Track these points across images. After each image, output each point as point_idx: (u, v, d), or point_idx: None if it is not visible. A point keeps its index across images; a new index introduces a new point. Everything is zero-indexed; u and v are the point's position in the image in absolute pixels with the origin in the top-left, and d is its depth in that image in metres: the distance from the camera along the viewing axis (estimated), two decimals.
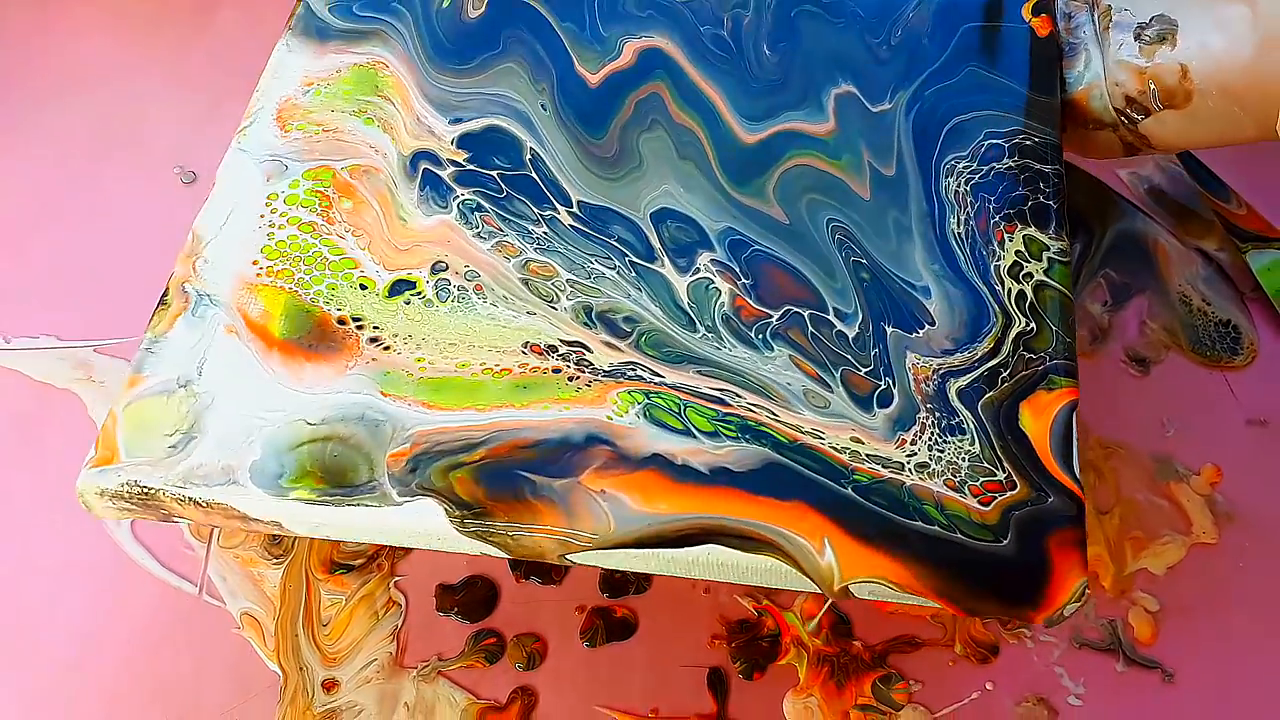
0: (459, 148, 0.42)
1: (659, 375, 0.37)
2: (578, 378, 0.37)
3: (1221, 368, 0.51)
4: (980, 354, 0.38)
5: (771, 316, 0.38)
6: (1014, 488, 0.35)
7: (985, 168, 0.42)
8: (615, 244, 0.40)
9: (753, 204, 0.41)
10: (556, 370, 0.37)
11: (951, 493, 0.35)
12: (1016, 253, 0.40)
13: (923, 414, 0.36)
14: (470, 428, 0.36)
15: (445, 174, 0.41)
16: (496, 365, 0.37)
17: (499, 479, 0.35)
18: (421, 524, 0.34)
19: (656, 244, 0.40)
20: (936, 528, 0.34)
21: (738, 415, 0.36)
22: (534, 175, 0.41)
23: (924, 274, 0.39)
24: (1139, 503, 0.48)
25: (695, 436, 0.35)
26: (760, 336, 0.38)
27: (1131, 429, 0.50)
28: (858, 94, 0.44)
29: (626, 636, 0.46)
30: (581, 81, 0.44)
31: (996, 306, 0.39)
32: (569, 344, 0.37)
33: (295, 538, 0.48)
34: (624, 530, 0.34)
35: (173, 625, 0.46)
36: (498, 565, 0.47)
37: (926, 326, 0.38)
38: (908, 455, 0.36)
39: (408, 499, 0.34)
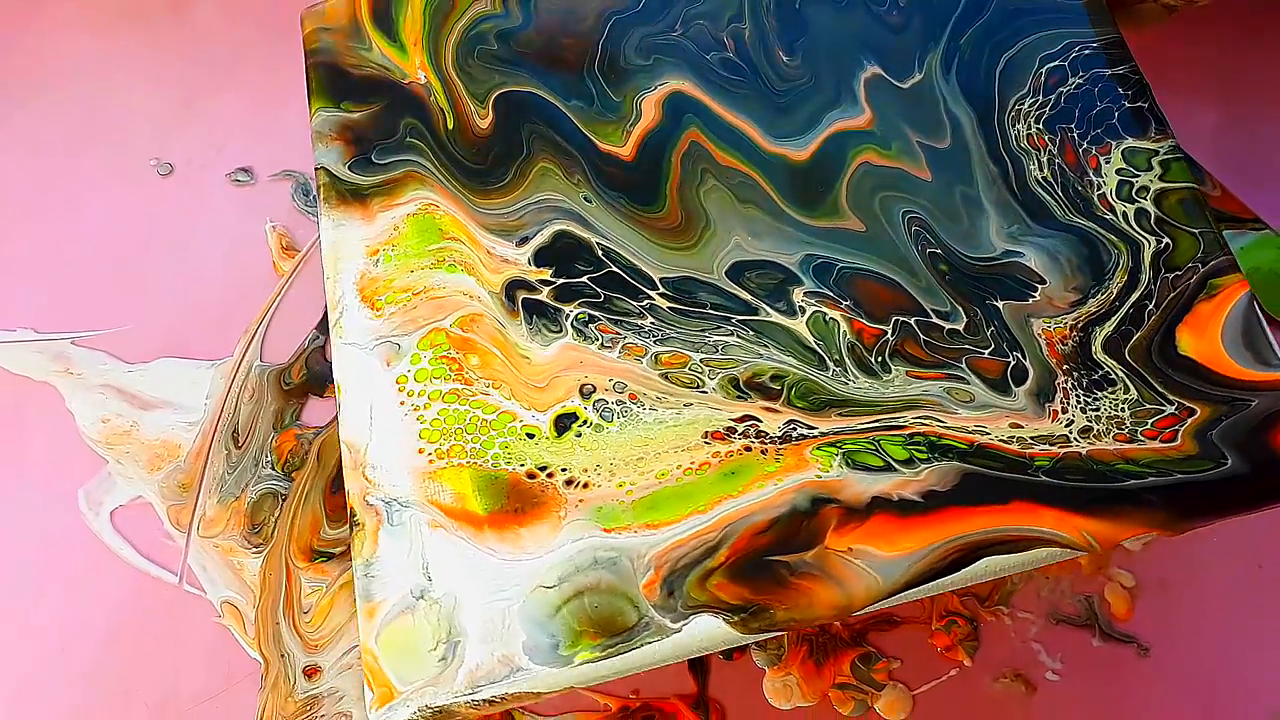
0: (539, 266, 0.40)
1: (813, 428, 0.36)
2: (767, 450, 0.36)
3: None
4: (1116, 292, 0.36)
5: (887, 332, 0.37)
6: (1192, 414, 0.34)
7: (1052, 96, 0.39)
8: (712, 311, 0.38)
9: (827, 224, 0.39)
10: (748, 449, 0.36)
11: (1128, 445, 0.34)
12: (1118, 171, 0.37)
13: (1060, 378, 0.35)
14: (701, 531, 0.35)
15: (543, 296, 0.39)
16: (692, 464, 0.36)
17: (754, 571, 0.34)
18: (709, 638, 0.34)
19: (749, 297, 0.38)
20: (1151, 477, 0.34)
21: (920, 434, 0.35)
22: (615, 269, 0.39)
23: (1000, 243, 0.37)
24: None
25: (897, 469, 0.35)
26: (879, 360, 0.37)
27: None
28: (883, 74, 0.41)
29: None
30: (612, 158, 0.41)
31: (1114, 237, 0.36)
32: (740, 420, 0.36)
33: (275, 524, 0.48)
34: (891, 579, 0.34)
35: (152, 614, 0.46)
36: None
37: (1039, 288, 0.36)
38: (1066, 426, 0.35)
39: (683, 621, 0.34)
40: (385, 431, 0.37)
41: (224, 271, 0.53)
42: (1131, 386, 0.35)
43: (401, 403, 0.38)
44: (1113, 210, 0.37)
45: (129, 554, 0.47)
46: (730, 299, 0.38)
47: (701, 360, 0.37)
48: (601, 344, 0.38)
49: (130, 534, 0.47)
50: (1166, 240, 0.36)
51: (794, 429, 0.36)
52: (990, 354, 0.36)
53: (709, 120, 0.41)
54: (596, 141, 0.41)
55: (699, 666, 0.45)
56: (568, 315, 0.38)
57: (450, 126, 0.42)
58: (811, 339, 0.37)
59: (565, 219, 0.40)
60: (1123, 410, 0.35)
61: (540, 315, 0.38)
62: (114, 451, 0.50)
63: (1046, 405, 0.35)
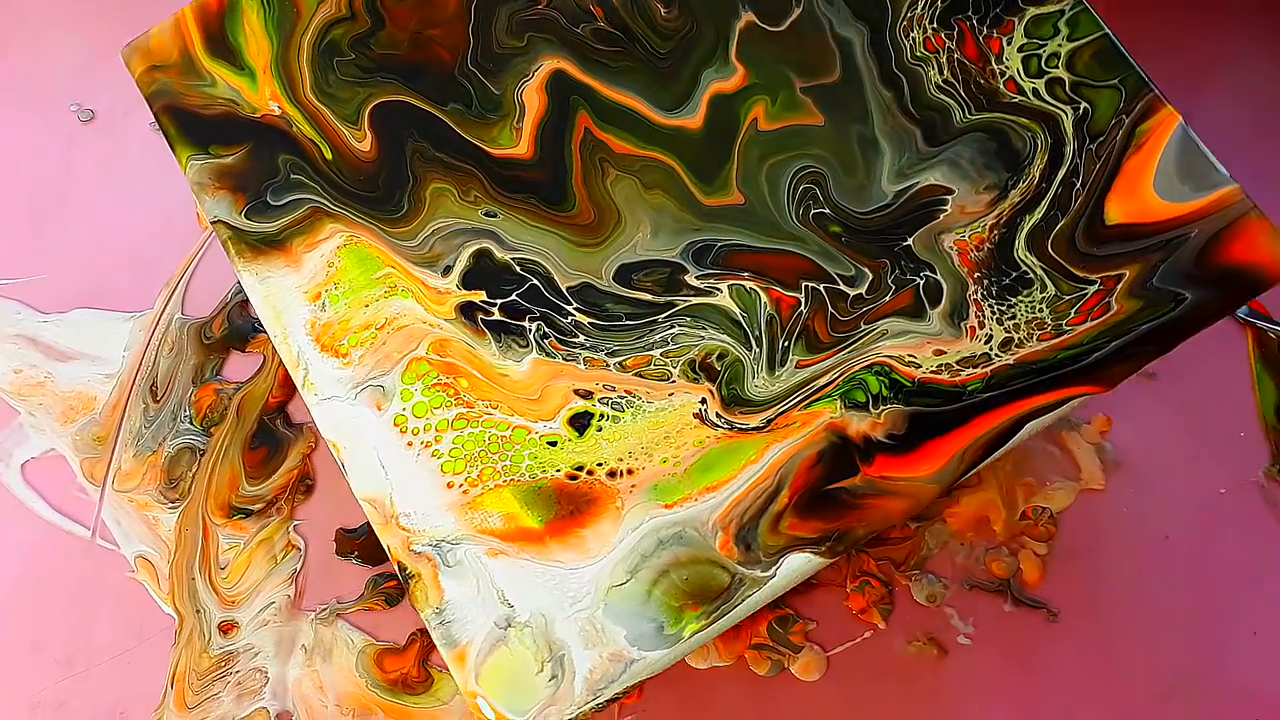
0: (471, 289, 0.37)
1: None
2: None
3: None
4: (1038, 176, 0.35)
5: (801, 301, 0.36)
6: (1119, 279, 0.34)
7: None
8: (629, 322, 0.37)
9: (719, 202, 0.37)
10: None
11: (1056, 339, 0.34)
12: (1022, 48, 0.36)
13: (972, 289, 0.35)
14: (758, 481, 0.35)
15: (498, 315, 0.37)
16: (718, 432, 0.36)
17: (820, 503, 0.35)
18: (801, 572, 0.34)
19: (648, 296, 0.37)
20: (1110, 342, 0.34)
21: (882, 365, 0.35)
22: (536, 282, 0.37)
23: (893, 186, 0.36)
24: (1032, 450, 0.50)
25: (869, 410, 0.35)
26: (785, 345, 0.36)
27: None
28: (757, 21, 0.38)
29: None
30: (510, 161, 0.38)
31: (1026, 120, 0.36)
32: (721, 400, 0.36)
33: (192, 479, 0.47)
34: (944, 479, 0.35)
35: (63, 568, 0.45)
36: None
37: (948, 200, 0.36)
38: (986, 342, 0.35)
39: (774, 565, 0.34)
40: (404, 477, 0.35)
41: (146, 222, 0.52)
42: (1049, 282, 0.35)
43: (409, 444, 0.36)
44: (1021, 91, 0.36)
45: (40, 507, 0.46)
46: (631, 303, 0.37)
47: (663, 355, 0.36)
48: (565, 357, 0.36)
49: (42, 487, 0.46)
50: (1084, 105, 0.35)
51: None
52: (895, 279, 0.36)
53: (596, 104, 0.38)
54: (487, 147, 0.38)
55: None
56: (528, 331, 0.37)
57: (329, 157, 0.38)
58: (738, 311, 0.36)
59: (476, 238, 0.37)
60: (1041, 310, 0.35)
61: (506, 333, 0.37)
62: (27, 403, 0.49)
63: (962, 324, 0.35)
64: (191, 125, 0.38)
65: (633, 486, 0.35)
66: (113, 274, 0.51)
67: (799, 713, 0.45)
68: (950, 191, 0.36)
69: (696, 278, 0.36)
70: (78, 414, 0.49)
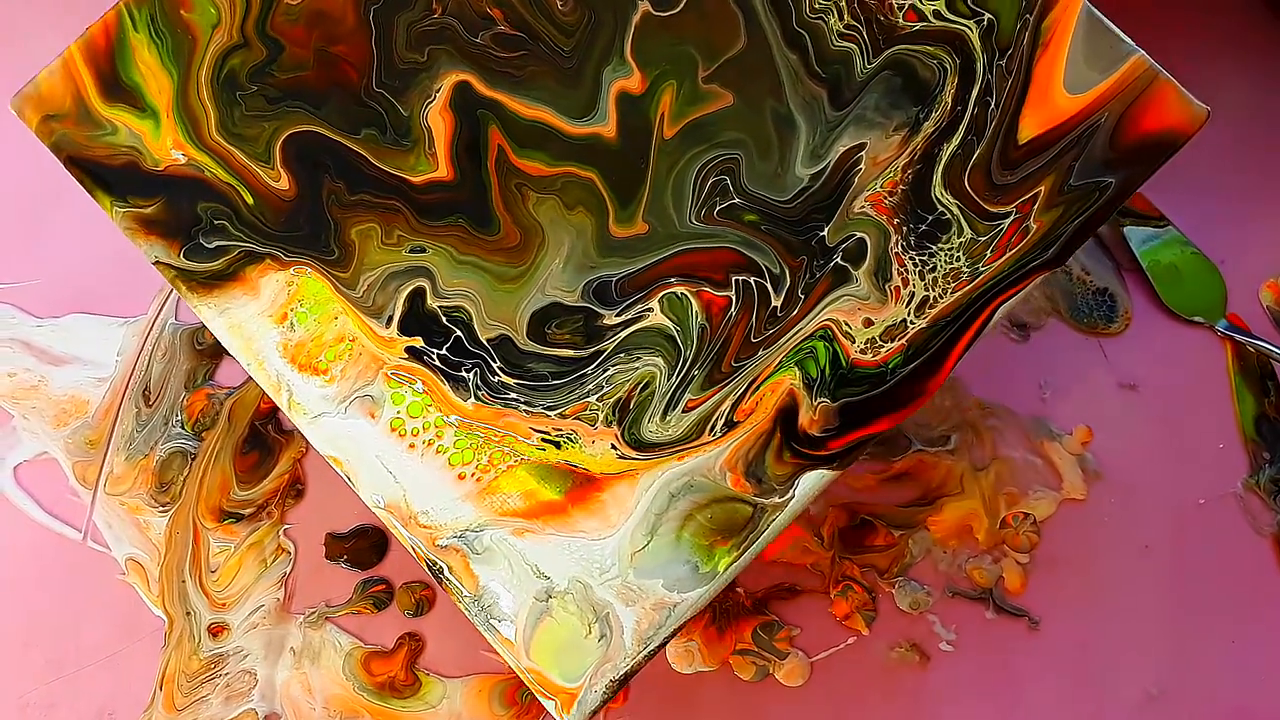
0: (409, 335, 0.36)
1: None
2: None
3: (1097, 334, 0.53)
4: (950, 100, 0.36)
5: (731, 299, 0.36)
6: (1034, 199, 0.35)
7: None
8: (556, 382, 0.36)
9: (625, 233, 0.37)
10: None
11: (972, 282, 0.35)
12: None
13: (894, 240, 0.35)
14: (760, 428, 0.36)
15: (438, 361, 0.36)
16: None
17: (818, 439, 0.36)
18: (818, 487, 0.35)
19: (571, 352, 0.36)
20: (1040, 252, 0.35)
21: (826, 329, 0.36)
22: (460, 334, 0.36)
23: (807, 169, 0.36)
24: (1015, 460, 0.50)
25: (812, 390, 0.36)
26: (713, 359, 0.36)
27: (1010, 391, 0.52)
28: (651, 10, 0.37)
29: None
30: (432, 185, 0.37)
31: (930, 48, 0.35)
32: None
33: (183, 483, 0.47)
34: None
35: (54, 570, 0.45)
36: None
37: (862, 151, 0.36)
38: (907, 304, 0.35)
39: (792, 487, 0.35)
40: (414, 477, 0.36)
41: None
42: (965, 225, 0.35)
43: (411, 445, 0.36)
44: (923, 16, 0.36)
45: (32, 509, 0.46)
46: (560, 361, 0.36)
47: (598, 399, 0.36)
48: (504, 404, 0.36)
49: (34, 489, 0.47)
50: (988, 16, 0.35)
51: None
52: (818, 242, 0.36)
53: (505, 122, 0.37)
54: (406, 175, 0.36)
55: None
56: (468, 381, 0.36)
57: (251, 203, 0.36)
58: (670, 325, 0.36)
59: (408, 278, 0.36)
60: (958, 258, 0.35)
61: (448, 378, 0.36)
62: (20, 406, 0.49)
63: (887, 286, 0.35)
64: (102, 177, 0.37)
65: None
66: (107, 279, 0.52)
67: (783, 718, 0.46)
68: (862, 146, 0.36)
69: (616, 316, 0.36)
70: (70, 417, 0.49)
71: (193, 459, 0.48)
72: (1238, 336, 0.51)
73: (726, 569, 0.35)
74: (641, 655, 0.34)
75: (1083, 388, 0.53)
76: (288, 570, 0.46)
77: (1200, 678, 0.47)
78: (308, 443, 0.48)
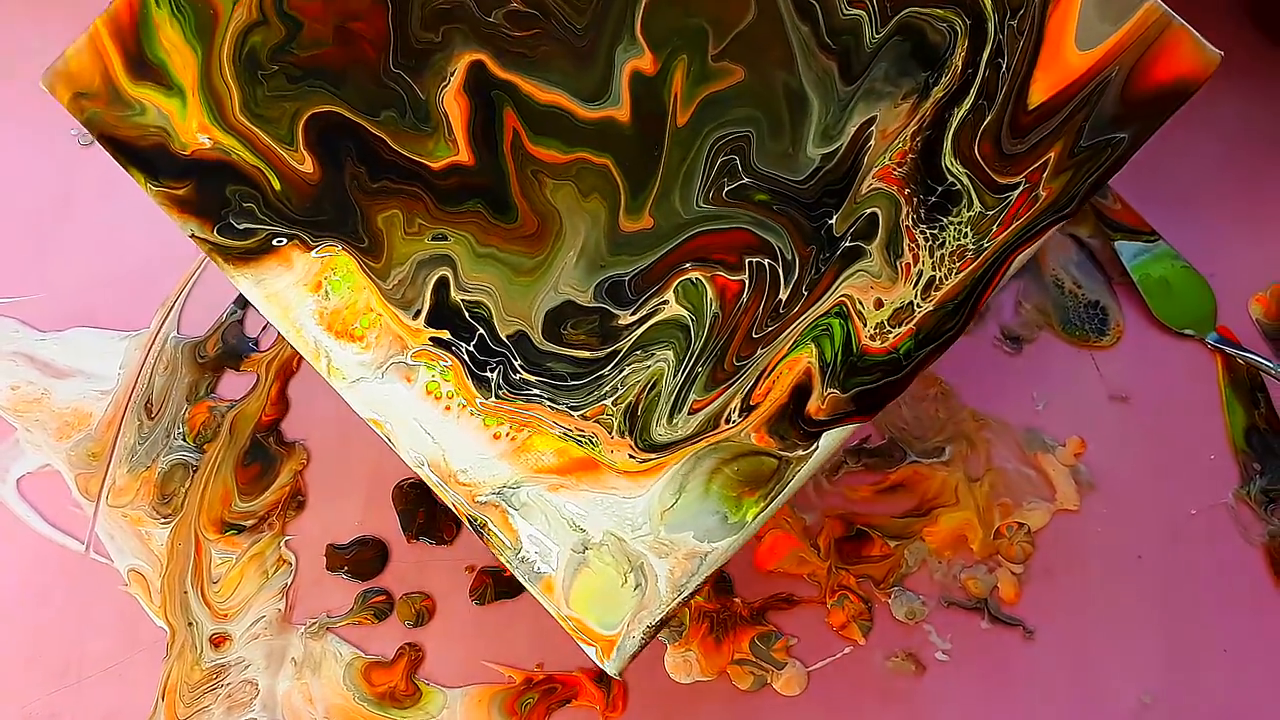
0: (436, 326, 0.37)
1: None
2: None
3: (1089, 347, 0.54)
4: (960, 63, 0.35)
5: (743, 280, 0.37)
6: (1043, 167, 0.35)
7: None
8: (574, 382, 0.37)
9: (633, 227, 0.37)
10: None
11: (977, 258, 0.36)
12: None
13: (905, 211, 0.35)
14: (778, 399, 0.36)
15: (464, 355, 0.37)
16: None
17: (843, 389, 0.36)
18: (841, 438, 0.36)
19: (587, 353, 0.37)
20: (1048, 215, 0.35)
21: (841, 305, 0.36)
22: (482, 331, 0.37)
23: (819, 149, 0.36)
24: (1008, 472, 0.51)
25: (825, 376, 0.36)
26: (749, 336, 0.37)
27: (1004, 403, 0.53)
28: None
29: (515, 594, 0.47)
30: (451, 169, 0.37)
31: (939, 10, 0.35)
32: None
33: (185, 495, 0.48)
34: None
35: (57, 581, 0.45)
36: (389, 525, 0.48)
37: (873, 126, 0.36)
38: (915, 283, 0.36)
39: (815, 439, 0.36)
40: (451, 438, 0.37)
41: (142, 243, 0.53)
42: (975, 197, 0.35)
43: (447, 408, 0.37)
44: None
45: (35, 521, 0.47)
46: (578, 363, 0.37)
47: (613, 402, 0.37)
48: (529, 399, 0.37)
49: (37, 501, 0.47)
50: None
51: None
52: (840, 219, 0.36)
53: (520, 105, 0.37)
54: (425, 161, 0.37)
55: None
56: (490, 381, 0.37)
57: (278, 188, 0.37)
58: (686, 314, 0.37)
59: (432, 267, 0.37)
60: (965, 234, 0.36)
61: (472, 376, 0.37)
62: (23, 419, 0.50)
63: (899, 262, 0.36)
64: (135, 157, 0.37)
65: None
66: (110, 293, 0.52)
67: None
68: (872, 120, 0.36)
69: (631, 315, 0.37)
70: (73, 430, 0.49)
71: (195, 471, 0.48)
72: (1228, 349, 0.51)
73: (755, 518, 0.36)
74: (676, 602, 0.35)
75: (1075, 400, 0.53)
76: (289, 581, 0.46)
77: (1193, 686, 0.48)
78: (309, 455, 0.49)
